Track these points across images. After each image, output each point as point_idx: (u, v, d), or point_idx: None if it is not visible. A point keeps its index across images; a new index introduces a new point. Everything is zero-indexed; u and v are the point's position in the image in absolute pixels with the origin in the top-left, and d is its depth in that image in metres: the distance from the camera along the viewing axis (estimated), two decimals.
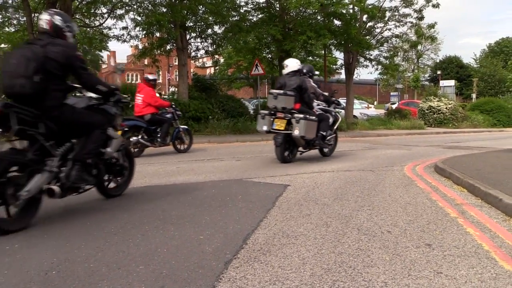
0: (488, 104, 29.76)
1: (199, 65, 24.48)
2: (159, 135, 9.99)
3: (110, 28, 18.69)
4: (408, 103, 34.29)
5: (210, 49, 18.99)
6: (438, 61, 68.37)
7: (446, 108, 26.35)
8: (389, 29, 22.45)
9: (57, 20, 4.38)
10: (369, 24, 21.99)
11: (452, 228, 4.22)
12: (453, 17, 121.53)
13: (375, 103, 58.79)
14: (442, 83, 45.31)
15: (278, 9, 19.76)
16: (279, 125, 8.49)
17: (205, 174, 7.42)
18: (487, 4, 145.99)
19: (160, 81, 73.53)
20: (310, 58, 27.63)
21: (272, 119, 8.61)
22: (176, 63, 18.17)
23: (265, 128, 8.69)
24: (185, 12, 16.05)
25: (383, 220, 4.50)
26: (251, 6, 19.99)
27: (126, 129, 9.13)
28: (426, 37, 24.04)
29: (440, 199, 5.54)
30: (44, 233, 3.95)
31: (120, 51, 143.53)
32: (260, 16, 20.16)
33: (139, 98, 9.96)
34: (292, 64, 8.87)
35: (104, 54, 34.59)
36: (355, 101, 28.65)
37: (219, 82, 30.81)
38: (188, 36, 17.50)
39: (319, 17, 19.62)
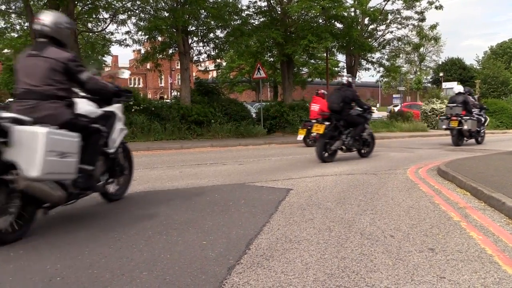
0: (491, 105, 29.60)
1: (202, 69, 24.44)
2: None
3: (112, 33, 18.82)
4: (411, 105, 34.22)
5: (212, 53, 19.03)
6: (440, 63, 68.43)
7: None
8: (391, 32, 22.48)
9: (350, 79, 10.37)
10: (371, 27, 22.02)
11: (455, 232, 4.22)
12: (455, 20, 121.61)
13: (378, 105, 58.75)
14: (445, 85, 45.31)
15: (279, 12, 19.79)
16: (454, 123, 14.11)
17: (207, 178, 7.44)
18: (488, 6, 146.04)
19: (163, 85, 73.87)
20: (312, 61, 27.65)
21: (448, 121, 14.27)
22: (179, 67, 18.19)
23: (444, 126, 14.50)
24: (187, 16, 16.10)
25: (386, 224, 4.50)
26: (253, 10, 20.04)
27: (309, 127, 13.11)
28: (429, 38, 23.99)
29: (443, 203, 5.54)
30: (48, 240, 3.96)
31: (122, 55, 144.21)
32: (261, 19, 20.19)
33: (315, 107, 14.07)
34: (458, 88, 15.57)
35: (108, 58, 34.58)
36: None
37: (221, 85, 30.89)
38: (190, 41, 17.53)
39: (320, 20, 19.65)
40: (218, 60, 22.28)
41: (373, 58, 23.22)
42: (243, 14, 18.94)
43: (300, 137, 13.94)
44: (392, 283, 3.00)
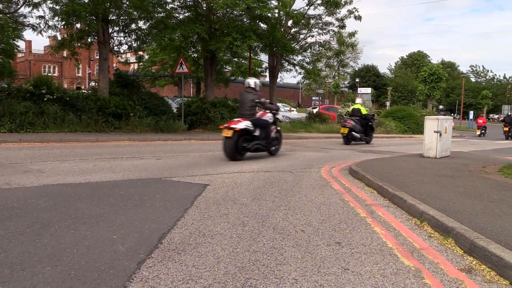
0: (400, 112, 31.71)
1: (122, 60, 23.52)
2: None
3: (25, 16, 17.46)
4: (328, 108, 35.64)
5: (134, 44, 18.43)
6: (357, 69, 72.12)
7: None
8: (313, 36, 23.18)
9: None
10: (294, 30, 22.57)
11: (361, 227, 4.47)
12: (371, 29, 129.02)
13: (298, 107, 60.49)
14: (360, 90, 47.69)
15: (204, 8, 19.63)
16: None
17: (123, 172, 7.21)
18: (401, 20, 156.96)
19: (80, 75, 70.40)
20: (236, 59, 27.79)
21: None
22: (98, 57, 17.36)
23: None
24: (108, 4, 15.44)
25: (298, 219, 4.66)
26: (178, 3, 19.68)
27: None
28: (347, 44, 25.06)
29: (352, 200, 5.84)
30: None
31: (37, 41, 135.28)
32: (186, 14, 19.91)
33: (480, 121, 33.98)
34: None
35: (21, 43, 32.21)
36: (278, 104, 29.25)
37: (142, 78, 30.01)
38: (110, 30, 16.83)
39: (245, 19, 19.79)
40: (140, 53, 21.63)
41: (295, 60, 23.82)
42: (167, 7, 18.54)
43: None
44: (299, 275, 3.12)
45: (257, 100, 10.27)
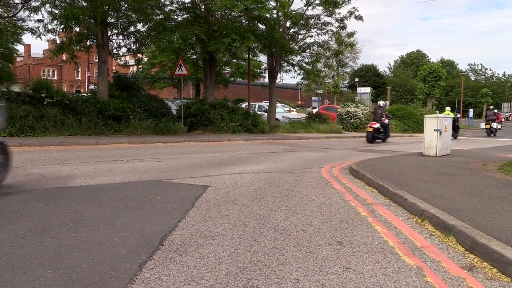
0: (400, 111, 31.66)
1: (121, 63, 23.58)
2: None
3: (24, 20, 17.43)
4: (328, 108, 35.60)
5: (133, 47, 18.42)
6: (356, 69, 72.17)
7: (362, 113, 27.70)
8: (311, 36, 23.16)
9: None
10: (292, 30, 22.56)
11: (362, 226, 4.47)
12: (369, 29, 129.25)
13: (297, 108, 60.49)
14: (359, 90, 47.65)
15: (203, 10, 19.63)
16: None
17: (123, 175, 7.21)
18: (399, 19, 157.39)
19: (80, 78, 70.41)
20: (235, 60, 27.78)
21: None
22: (97, 60, 17.35)
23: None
24: (106, 7, 15.44)
25: (299, 219, 4.66)
26: (176, 5, 19.68)
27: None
28: (346, 44, 25.04)
29: (352, 199, 5.84)
30: None
31: (36, 45, 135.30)
32: (185, 16, 19.92)
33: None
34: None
35: (20, 47, 32.21)
36: (278, 104, 29.26)
37: (141, 81, 30.01)
38: (109, 33, 16.83)
39: (244, 21, 19.79)
40: (139, 55, 21.61)
41: (294, 60, 23.79)
42: (165, 9, 18.54)
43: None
44: (301, 275, 3.11)
45: (384, 113, 18.76)
